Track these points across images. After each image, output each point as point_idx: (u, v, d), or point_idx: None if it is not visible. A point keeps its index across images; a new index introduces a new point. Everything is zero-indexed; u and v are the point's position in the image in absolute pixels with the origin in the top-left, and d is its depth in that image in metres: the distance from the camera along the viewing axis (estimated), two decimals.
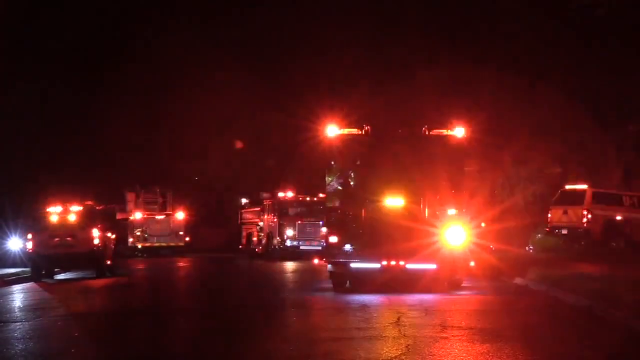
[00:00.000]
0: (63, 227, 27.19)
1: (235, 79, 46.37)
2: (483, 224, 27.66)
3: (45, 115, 44.91)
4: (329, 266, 20.49)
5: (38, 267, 26.50)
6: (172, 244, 44.30)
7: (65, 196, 30.23)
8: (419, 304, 16.79)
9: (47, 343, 12.97)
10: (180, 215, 44.86)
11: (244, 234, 45.65)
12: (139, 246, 43.96)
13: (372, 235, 19.81)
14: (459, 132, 20.02)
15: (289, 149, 47.75)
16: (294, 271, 30.48)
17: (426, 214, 19.89)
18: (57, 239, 26.49)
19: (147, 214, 44.55)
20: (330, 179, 20.65)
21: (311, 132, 21.87)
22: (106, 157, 49.61)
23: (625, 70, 33.43)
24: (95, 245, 26.69)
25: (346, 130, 20.42)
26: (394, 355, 11.00)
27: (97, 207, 31.34)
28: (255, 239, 43.32)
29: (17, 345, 12.65)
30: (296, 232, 38.65)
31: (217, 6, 49.49)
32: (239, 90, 47.37)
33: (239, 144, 52.89)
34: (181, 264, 36.88)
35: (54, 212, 27.84)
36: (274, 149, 51.92)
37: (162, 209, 45.56)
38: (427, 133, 20.26)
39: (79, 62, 46.96)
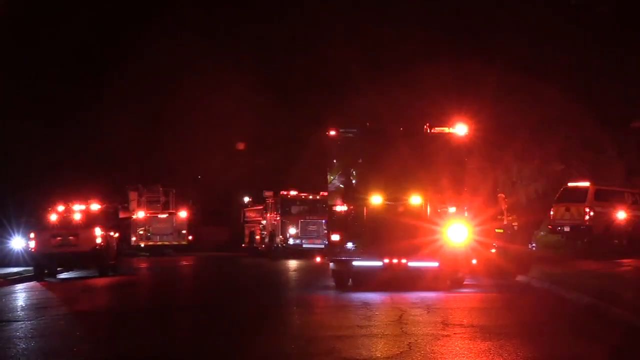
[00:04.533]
0: (66, 226, 27.22)
1: (237, 77, 46.37)
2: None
3: (48, 114, 44.97)
4: (331, 264, 20.51)
5: (41, 266, 26.47)
6: (175, 243, 44.30)
7: (68, 195, 30.26)
8: (421, 302, 16.79)
9: (50, 342, 12.97)
10: (183, 214, 44.84)
11: (246, 232, 45.69)
12: (142, 245, 43.97)
13: (374, 233, 19.81)
14: (460, 129, 20.01)
15: (292, 147, 47.80)
16: (297, 269, 30.50)
17: (428, 212, 19.88)
18: (59, 238, 26.47)
19: (150, 213, 44.53)
20: (332, 177, 20.64)
21: (313, 130, 21.88)
22: (109, 156, 49.64)
23: (627, 67, 33.41)
24: (98, 245, 26.67)
25: (348, 129, 20.42)
26: (395, 353, 11.01)
27: (100, 206, 31.33)
28: (257, 237, 43.37)
29: (19, 345, 12.67)
30: (299, 231, 38.68)
31: (217, 6, 49.59)
32: (241, 89, 47.38)
33: (241, 143, 52.91)
34: (184, 263, 36.88)
35: (56, 211, 27.87)
36: (277, 147, 51.92)
37: (165, 207, 45.54)
38: (428, 131, 20.27)
39: (81, 61, 47.04)
